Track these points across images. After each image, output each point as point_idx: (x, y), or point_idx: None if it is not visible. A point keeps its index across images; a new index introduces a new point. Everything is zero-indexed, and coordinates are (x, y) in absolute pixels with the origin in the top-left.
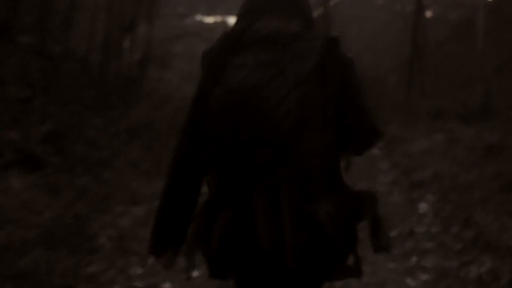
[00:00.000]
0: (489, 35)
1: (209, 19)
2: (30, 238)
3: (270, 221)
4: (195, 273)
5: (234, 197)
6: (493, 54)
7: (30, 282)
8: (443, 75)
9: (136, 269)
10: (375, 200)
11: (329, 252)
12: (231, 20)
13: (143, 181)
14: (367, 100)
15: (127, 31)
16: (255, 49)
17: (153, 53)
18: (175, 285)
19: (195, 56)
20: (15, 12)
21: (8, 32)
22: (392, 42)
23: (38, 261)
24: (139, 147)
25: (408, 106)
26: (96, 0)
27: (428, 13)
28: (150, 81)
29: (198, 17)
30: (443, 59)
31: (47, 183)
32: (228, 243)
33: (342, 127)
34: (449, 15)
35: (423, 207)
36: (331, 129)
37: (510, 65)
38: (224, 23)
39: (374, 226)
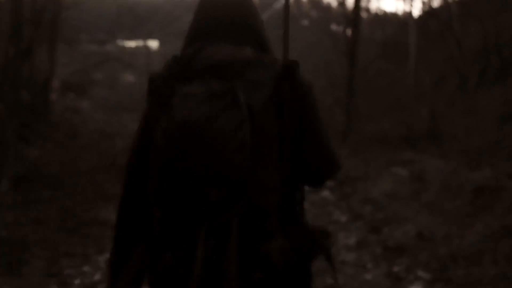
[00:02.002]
0: (418, 53)
1: (131, 44)
2: None
3: (209, 265)
4: None
5: (177, 238)
6: (425, 72)
7: None
8: (376, 95)
9: None
10: (329, 237)
11: None
12: (152, 43)
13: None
14: (325, 130)
15: (25, 56)
16: (205, 77)
17: (72, 81)
18: None
19: (116, 82)
20: None
21: None
22: (320, 62)
23: None
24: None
25: (350, 131)
26: None
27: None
28: (58, 112)
29: (119, 42)
30: (373, 79)
31: None
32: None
33: (297, 159)
34: (375, 34)
35: None
36: (287, 161)
37: (444, 83)
38: (145, 47)
39: (329, 262)
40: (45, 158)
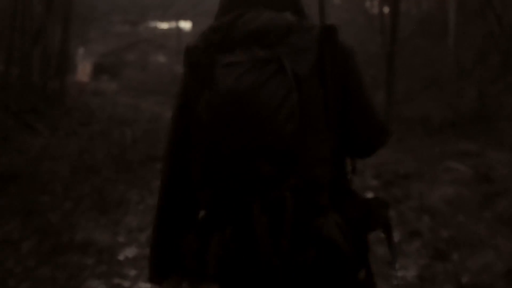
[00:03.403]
0: (456, 30)
1: (162, 25)
2: None
3: (275, 240)
4: None
5: (231, 215)
6: (464, 49)
7: None
8: (414, 74)
9: None
10: (386, 207)
11: (341, 268)
12: (185, 25)
13: None
14: (370, 96)
15: (36, 37)
16: (246, 45)
17: (104, 63)
18: None
19: (147, 64)
20: None
21: None
22: (353, 41)
23: None
24: None
25: (391, 115)
26: None
27: (386, 9)
28: (76, 96)
29: (151, 24)
30: (411, 57)
31: None
32: (227, 265)
33: (345, 128)
34: (411, 10)
35: None
36: (335, 131)
37: (484, 61)
38: (177, 28)
39: (387, 236)
40: (49, 150)
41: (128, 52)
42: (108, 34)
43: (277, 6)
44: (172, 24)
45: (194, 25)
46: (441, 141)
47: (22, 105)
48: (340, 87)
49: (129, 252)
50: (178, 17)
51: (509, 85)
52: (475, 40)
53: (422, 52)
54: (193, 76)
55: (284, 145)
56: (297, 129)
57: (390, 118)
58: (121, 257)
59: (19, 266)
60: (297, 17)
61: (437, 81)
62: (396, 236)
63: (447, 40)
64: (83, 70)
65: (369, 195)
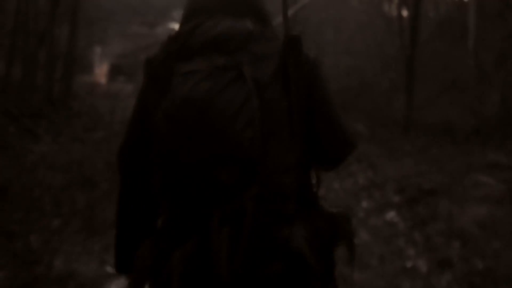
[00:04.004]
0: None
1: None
2: None
3: (234, 252)
4: None
5: (190, 227)
6: (484, 52)
7: None
8: (433, 77)
9: None
10: (350, 222)
11: (308, 283)
12: None
13: None
14: (335, 106)
15: (41, 40)
16: (205, 53)
17: (122, 64)
18: None
19: None
20: None
21: None
22: (371, 44)
23: None
24: None
25: (411, 120)
26: None
27: (405, 12)
28: (87, 98)
29: (170, 25)
30: (430, 60)
31: None
32: (190, 282)
33: (310, 138)
34: (429, 12)
35: None
36: (299, 140)
37: (504, 64)
38: None
39: (350, 250)
40: (48, 158)
41: (145, 54)
42: (125, 35)
43: (237, 14)
44: None
45: None
46: (466, 150)
47: (24, 109)
48: (305, 96)
49: (117, 286)
50: None
51: None
52: (495, 42)
53: (441, 55)
54: (152, 87)
55: (243, 153)
56: (257, 136)
57: (410, 124)
58: None
59: None
60: (259, 26)
61: (457, 85)
62: (423, 265)
63: (467, 43)
64: (100, 71)
65: (392, 213)
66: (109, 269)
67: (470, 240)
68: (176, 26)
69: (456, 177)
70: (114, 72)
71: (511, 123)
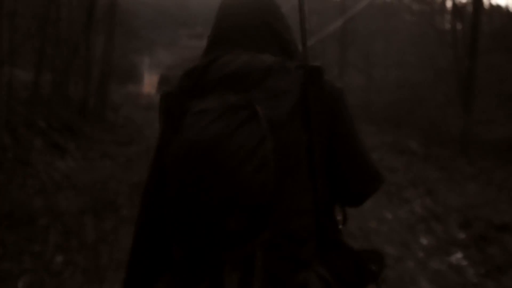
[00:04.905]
0: None
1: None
2: None
3: None
4: None
5: (202, 270)
6: None
7: None
8: (488, 91)
9: None
10: (381, 262)
11: None
12: None
13: None
14: (360, 140)
15: (75, 49)
16: (220, 90)
17: (170, 75)
18: None
19: None
20: None
21: None
22: (423, 56)
23: None
24: None
25: (468, 138)
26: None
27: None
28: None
29: None
30: (485, 73)
31: None
32: None
33: (333, 174)
34: (483, 25)
35: None
36: (320, 178)
37: None
38: None
39: None
40: (72, 177)
41: (193, 65)
42: (174, 47)
43: (259, 46)
44: None
45: None
46: None
47: (53, 122)
48: (327, 131)
49: None
50: None
51: None
52: None
53: (497, 68)
54: (166, 124)
55: (253, 198)
56: (269, 180)
57: (468, 141)
58: None
59: None
60: (280, 57)
61: None
62: None
63: None
64: (149, 82)
65: (458, 255)
66: None
67: None
68: None
69: None
70: (163, 82)
71: None
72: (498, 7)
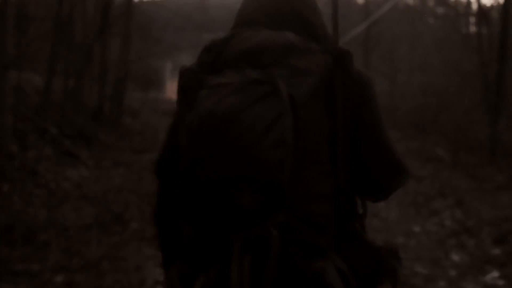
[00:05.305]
0: None
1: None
2: None
3: (257, 283)
4: None
5: (212, 251)
6: None
7: None
8: None
9: None
10: (398, 258)
11: None
12: None
13: None
14: (386, 131)
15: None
16: (239, 65)
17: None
18: None
19: None
20: None
21: None
22: (447, 61)
23: None
24: None
25: (498, 145)
26: None
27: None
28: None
29: None
30: (509, 78)
31: None
32: None
33: (356, 164)
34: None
35: None
36: (342, 165)
37: None
38: None
39: None
40: (83, 187)
41: None
42: (196, 52)
43: (281, 27)
44: None
45: None
46: None
47: (66, 129)
48: (352, 118)
49: None
50: None
51: None
52: None
53: None
54: (182, 99)
55: (269, 175)
56: (287, 158)
57: (496, 149)
58: None
59: None
60: (304, 38)
61: None
62: None
63: None
64: (171, 87)
65: (494, 274)
66: None
67: None
68: None
69: None
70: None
71: None
72: None
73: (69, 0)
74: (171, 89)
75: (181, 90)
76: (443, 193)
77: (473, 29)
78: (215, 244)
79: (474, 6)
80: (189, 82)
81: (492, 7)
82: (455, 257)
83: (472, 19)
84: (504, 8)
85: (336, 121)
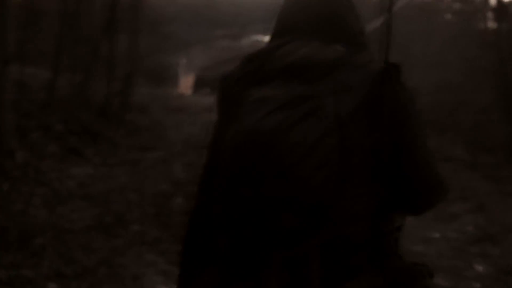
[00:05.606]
0: None
1: (264, 39)
2: None
3: None
4: None
5: (248, 265)
6: None
7: None
8: None
9: None
10: (431, 276)
11: None
12: None
13: None
14: (427, 146)
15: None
16: (282, 79)
17: (206, 76)
18: None
19: None
20: None
21: None
22: (464, 57)
23: None
24: None
25: None
26: None
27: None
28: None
29: (254, 38)
30: None
31: None
32: None
33: (394, 180)
34: None
35: None
36: (381, 184)
37: None
38: None
39: None
40: (86, 186)
41: (229, 66)
42: (210, 48)
43: (328, 37)
44: None
45: None
46: None
47: (72, 125)
48: (394, 134)
49: None
50: None
51: None
52: None
53: None
54: (223, 109)
55: (312, 197)
56: (331, 178)
57: None
58: None
59: None
60: (350, 50)
61: None
62: None
63: None
64: (185, 83)
65: None
66: None
67: None
68: (260, 38)
69: None
70: (198, 84)
71: None
72: None
73: None
74: (183, 85)
75: (222, 100)
76: (463, 196)
77: (491, 25)
78: (253, 258)
79: (492, 1)
80: (231, 92)
81: (511, 2)
82: (479, 267)
83: (490, 15)
84: None
85: (378, 136)
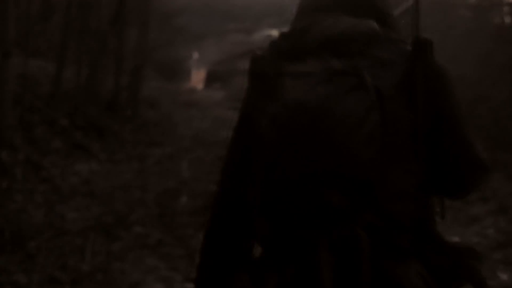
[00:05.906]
0: None
1: (277, 33)
2: None
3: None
4: None
5: (293, 252)
6: None
7: None
8: None
9: None
10: (478, 258)
11: None
12: None
13: None
14: (467, 123)
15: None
16: (320, 54)
17: (218, 71)
18: None
19: None
20: None
21: None
22: (481, 53)
23: None
24: None
25: None
26: None
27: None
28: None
29: (266, 32)
30: None
31: None
32: None
33: (435, 160)
34: None
35: None
36: (422, 162)
37: None
38: None
39: None
40: (90, 183)
41: (241, 61)
42: (222, 42)
43: (358, 14)
44: None
45: None
46: None
47: (78, 120)
48: (433, 112)
49: None
50: None
51: None
52: None
53: None
54: (258, 88)
55: (361, 174)
56: (377, 155)
57: None
58: None
59: None
60: (381, 27)
61: None
62: None
63: None
64: (197, 77)
65: None
66: None
67: None
68: (273, 32)
69: None
70: (210, 78)
71: None
72: None
73: None
74: (194, 79)
75: (256, 77)
76: (484, 197)
77: (507, 19)
78: (296, 242)
79: None
80: (265, 69)
81: None
82: (503, 275)
83: (506, 9)
84: None
85: (417, 115)
